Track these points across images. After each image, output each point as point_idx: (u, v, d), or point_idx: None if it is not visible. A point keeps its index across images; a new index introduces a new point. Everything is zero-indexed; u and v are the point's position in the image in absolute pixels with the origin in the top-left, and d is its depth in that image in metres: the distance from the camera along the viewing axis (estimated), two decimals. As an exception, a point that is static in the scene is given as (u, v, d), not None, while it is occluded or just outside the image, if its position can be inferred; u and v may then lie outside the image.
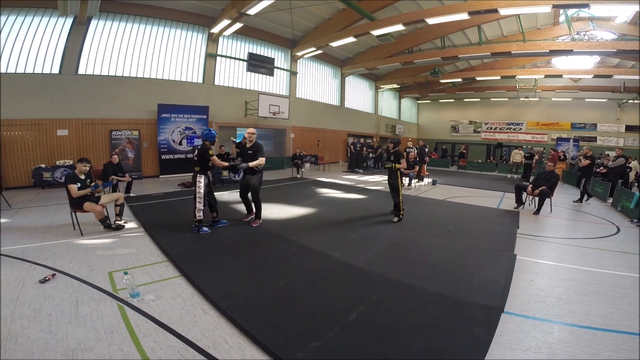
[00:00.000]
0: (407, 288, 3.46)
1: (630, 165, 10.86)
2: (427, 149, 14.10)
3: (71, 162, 9.78)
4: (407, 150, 11.60)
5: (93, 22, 10.57)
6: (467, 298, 3.25)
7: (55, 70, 9.96)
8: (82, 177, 5.18)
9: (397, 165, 6.42)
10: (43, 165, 9.36)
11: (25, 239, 4.74)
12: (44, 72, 9.77)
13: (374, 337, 2.58)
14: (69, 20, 9.99)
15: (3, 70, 9.00)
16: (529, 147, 20.28)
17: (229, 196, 8.40)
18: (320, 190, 10.12)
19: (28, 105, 9.27)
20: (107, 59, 11.06)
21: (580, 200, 9.68)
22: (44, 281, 3.38)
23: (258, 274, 3.76)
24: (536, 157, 15.20)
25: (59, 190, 8.12)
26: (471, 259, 4.40)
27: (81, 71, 10.44)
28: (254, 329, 2.62)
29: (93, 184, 5.28)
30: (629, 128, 21.37)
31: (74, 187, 4.98)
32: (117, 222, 5.56)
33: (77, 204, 5.07)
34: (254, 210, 5.93)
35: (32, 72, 9.57)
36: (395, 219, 6.41)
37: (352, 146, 18.28)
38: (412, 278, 3.71)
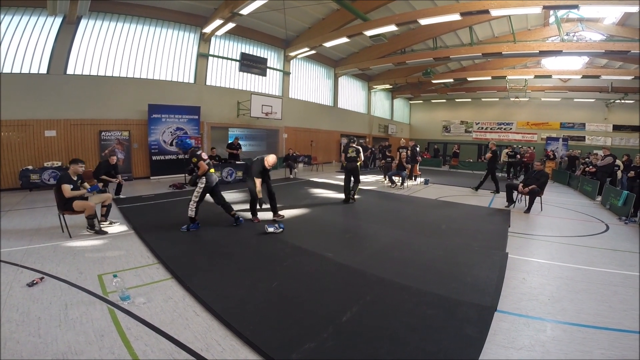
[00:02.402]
0: (400, 288, 3.46)
1: (618, 164, 11.05)
2: (418, 149, 14.04)
3: (59, 163, 9.60)
4: (400, 150, 11.66)
5: (83, 22, 10.40)
6: (460, 297, 3.26)
7: (43, 70, 9.78)
8: (75, 177, 5.13)
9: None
10: (30, 167, 9.16)
11: (12, 242, 4.64)
12: (31, 72, 9.58)
13: (368, 338, 2.57)
14: (58, 20, 9.82)
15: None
16: (515, 146, 20.32)
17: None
18: (313, 190, 10.10)
19: (15, 106, 9.05)
20: (97, 59, 10.90)
21: (497, 191, 10.37)
22: (31, 284, 3.31)
23: (251, 275, 3.73)
24: (517, 156, 15.40)
25: (47, 192, 7.97)
26: (464, 258, 4.42)
27: (70, 71, 10.26)
28: (247, 331, 2.59)
29: (92, 185, 5.25)
30: (616, 127, 21.76)
31: (67, 188, 4.92)
32: (101, 223, 5.46)
33: (66, 205, 4.99)
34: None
35: (19, 71, 9.38)
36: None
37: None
38: (405, 278, 3.71)
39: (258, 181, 5.75)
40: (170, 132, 12.06)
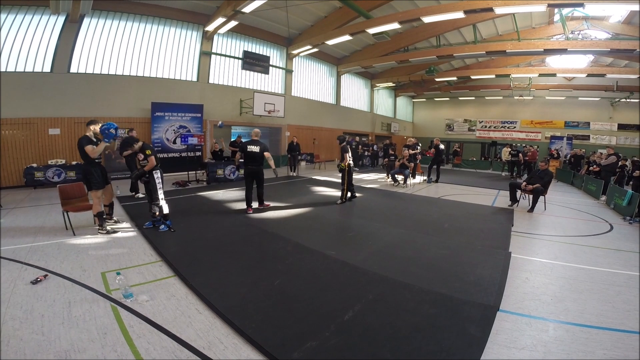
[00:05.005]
0: (403, 287, 3.46)
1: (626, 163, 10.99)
2: (417, 148, 13.12)
3: (63, 161, 9.68)
4: (404, 148, 11.67)
5: (86, 20, 10.43)
6: (463, 296, 3.25)
7: (47, 68, 9.82)
8: (94, 139, 5.30)
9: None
10: (35, 165, 9.23)
11: (16, 240, 4.67)
12: (35, 70, 9.63)
13: (370, 336, 2.57)
14: (61, 19, 9.85)
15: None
16: (518, 145, 20.22)
17: (223, 195, 8.37)
18: (315, 188, 10.09)
19: (19, 104, 9.11)
20: (100, 57, 10.94)
21: (436, 180, 12.07)
22: (35, 282, 3.33)
23: (253, 273, 3.74)
24: (519, 155, 15.28)
25: (51, 190, 8.02)
26: (466, 257, 4.41)
27: (73, 69, 10.31)
28: (249, 329, 2.60)
29: (113, 131, 5.26)
30: (622, 127, 21.59)
31: (90, 148, 5.07)
32: (107, 221, 5.47)
33: (70, 200, 4.98)
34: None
35: (22, 70, 9.42)
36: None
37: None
38: (408, 276, 3.70)
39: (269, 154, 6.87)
40: (174, 130, 12.09)
